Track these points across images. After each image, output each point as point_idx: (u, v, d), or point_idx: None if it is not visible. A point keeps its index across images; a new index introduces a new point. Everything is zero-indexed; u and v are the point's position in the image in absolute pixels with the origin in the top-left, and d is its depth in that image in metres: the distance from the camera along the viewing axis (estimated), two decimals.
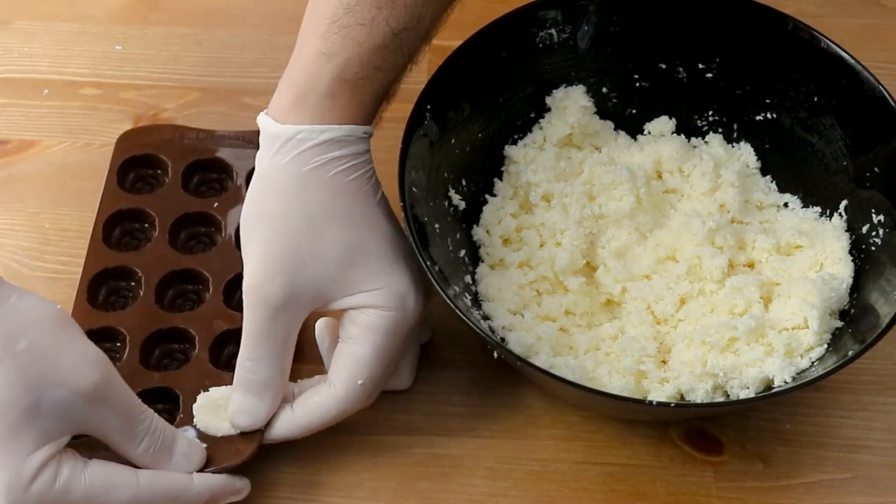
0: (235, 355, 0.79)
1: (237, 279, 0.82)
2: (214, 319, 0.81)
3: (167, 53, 0.98)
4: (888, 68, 0.93)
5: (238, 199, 0.86)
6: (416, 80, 0.94)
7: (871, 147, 0.82)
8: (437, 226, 0.80)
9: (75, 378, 0.69)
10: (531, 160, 0.86)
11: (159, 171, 0.89)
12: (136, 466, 0.72)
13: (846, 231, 0.83)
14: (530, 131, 0.88)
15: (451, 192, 0.83)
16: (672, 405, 0.75)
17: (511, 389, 0.80)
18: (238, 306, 0.81)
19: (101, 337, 0.80)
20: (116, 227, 0.86)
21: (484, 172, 0.86)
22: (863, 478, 0.78)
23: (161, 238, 0.85)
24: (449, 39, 0.97)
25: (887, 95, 0.81)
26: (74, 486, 0.69)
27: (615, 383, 0.76)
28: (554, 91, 0.88)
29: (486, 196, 0.85)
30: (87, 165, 0.92)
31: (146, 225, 0.86)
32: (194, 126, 0.92)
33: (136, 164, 0.89)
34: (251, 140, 0.89)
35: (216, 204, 0.87)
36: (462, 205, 0.83)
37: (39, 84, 0.96)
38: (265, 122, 0.75)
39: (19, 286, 0.69)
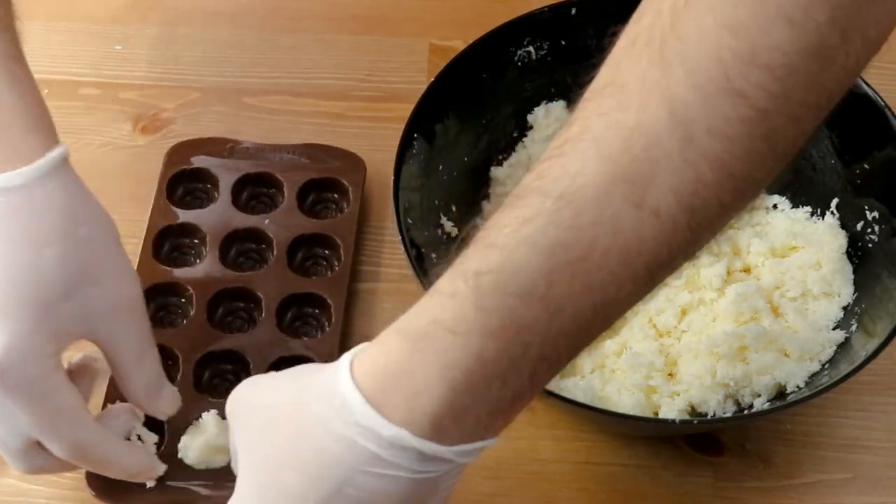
0: None
1: (290, 300, 0.82)
2: (269, 346, 0.80)
3: (167, 53, 0.98)
4: (889, 68, 0.93)
5: (289, 215, 0.86)
6: (415, 80, 0.94)
7: (859, 145, 0.82)
8: (433, 255, 0.79)
9: (118, 284, 0.69)
10: (517, 181, 0.85)
11: (209, 186, 0.88)
12: (124, 400, 0.73)
13: (841, 229, 0.83)
14: (514, 151, 0.88)
15: (443, 220, 0.83)
16: (695, 422, 0.75)
17: None
18: (291, 329, 0.82)
19: None
20: (166, 242, 0.85)
21: (472, 196, 0.86)
22: (863, 478, 0.78)
23: (212, 254, 0.84)
24: (448, 39, 0.98)
25: (872, 93, 0.80)
26: (47, 387, 0.67)
27: (625, 401, 0.76)
28: (535, 109, 0.87)
29: (477, 220, 0.85)
30: (87, 165, 0.90)
31: (196, 241, 0.86)
32: (194, 126, 0.92)
33: (185, 178, 0.88)
34: (302, 153, 0.89)
35: (267, 220, 0.86)
36: (454, 231, 0.83)
37: (39, 84, 0.95)
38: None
39: None
